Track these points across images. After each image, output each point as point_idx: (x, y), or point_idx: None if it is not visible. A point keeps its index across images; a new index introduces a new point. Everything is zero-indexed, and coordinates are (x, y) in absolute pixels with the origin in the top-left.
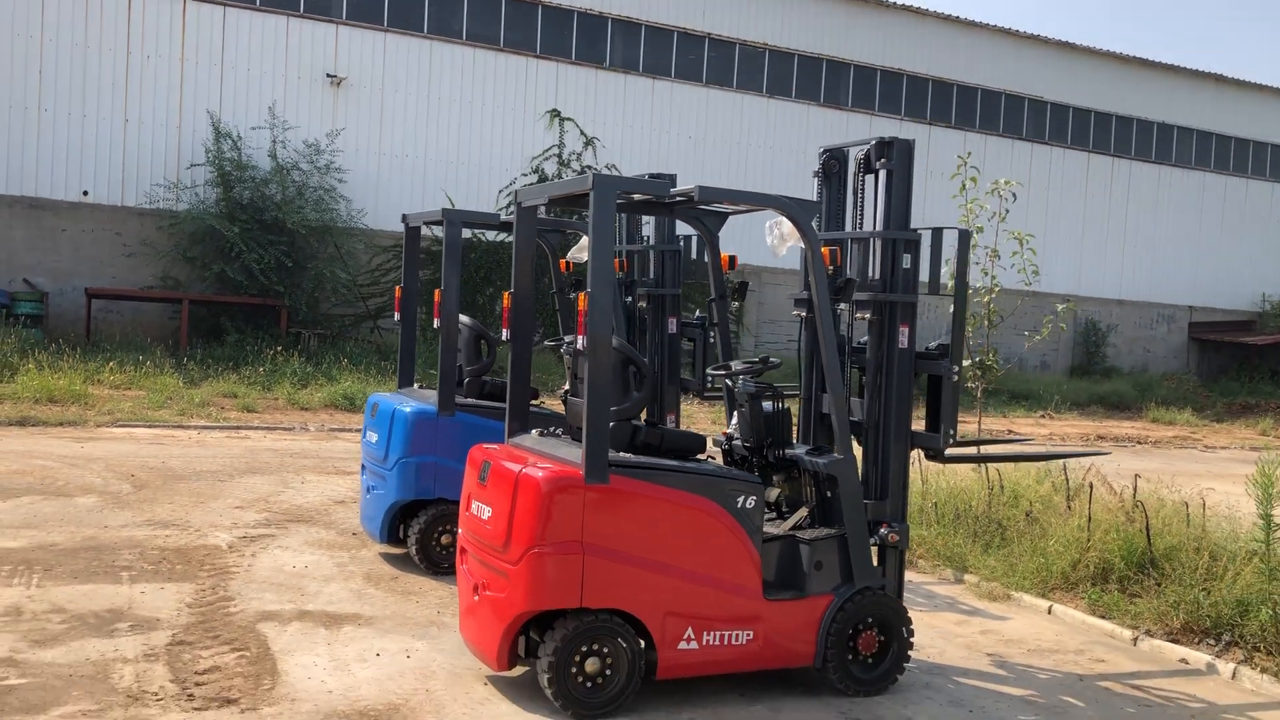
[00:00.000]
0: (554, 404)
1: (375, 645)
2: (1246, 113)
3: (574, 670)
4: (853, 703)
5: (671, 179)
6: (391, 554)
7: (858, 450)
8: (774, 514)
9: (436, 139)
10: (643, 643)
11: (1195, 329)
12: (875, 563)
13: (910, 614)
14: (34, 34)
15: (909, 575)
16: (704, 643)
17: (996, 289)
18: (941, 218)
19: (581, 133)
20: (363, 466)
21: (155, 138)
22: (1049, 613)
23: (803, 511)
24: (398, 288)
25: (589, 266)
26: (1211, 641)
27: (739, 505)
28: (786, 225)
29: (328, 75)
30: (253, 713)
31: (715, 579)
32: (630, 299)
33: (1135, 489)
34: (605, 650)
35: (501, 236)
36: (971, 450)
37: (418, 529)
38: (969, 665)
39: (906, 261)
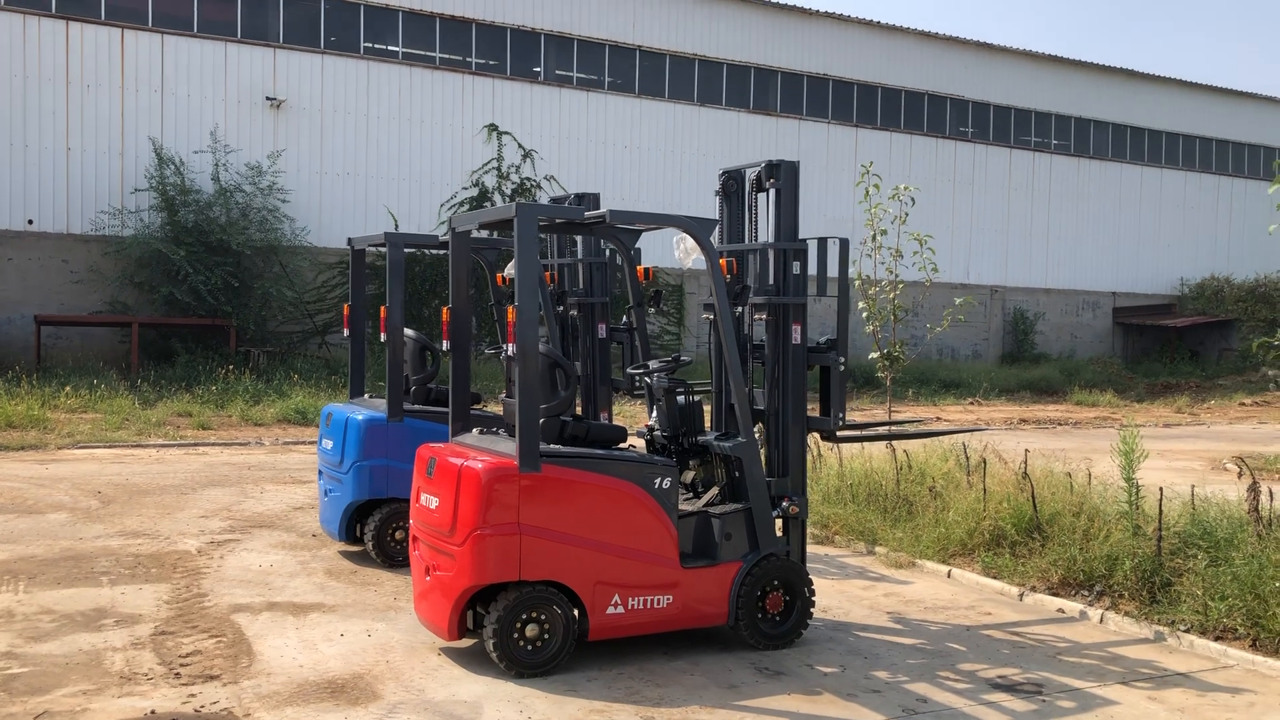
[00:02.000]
0: (496, 408)
1: (339, 628)
2: (1156, 105)
3: (516, 636)
4: (763, 655)
5: (594, 198)
6: (350, 552)
7: (761, 435)
8: (690, 493)
9: (377, 156)
10: (576, 610)
11: (1119, 314)
12: (780, 533)
13: (822, 581)
14: None
15: (825, 549)
16: (629, 607)
17: (900, 286)
18: (866, 214)
19: (519, 146)
20: (320, 472)
21: (99, 165)
22: (948, 576)
23: (714, 490)
24: (345, 305)
25: (516, 282)
26: (1085, 592)
27: (657, 486)
28: (690, 240)
29: (268, 98)
30: (234, 685)
31: (638, 551)
32: (561, 308)
33: (1025, 463)
34: (543, 617)
35: (443, 252)
36: (859, 431)
37: (373, 526)
38: (870, 622)
39: (796, 268)
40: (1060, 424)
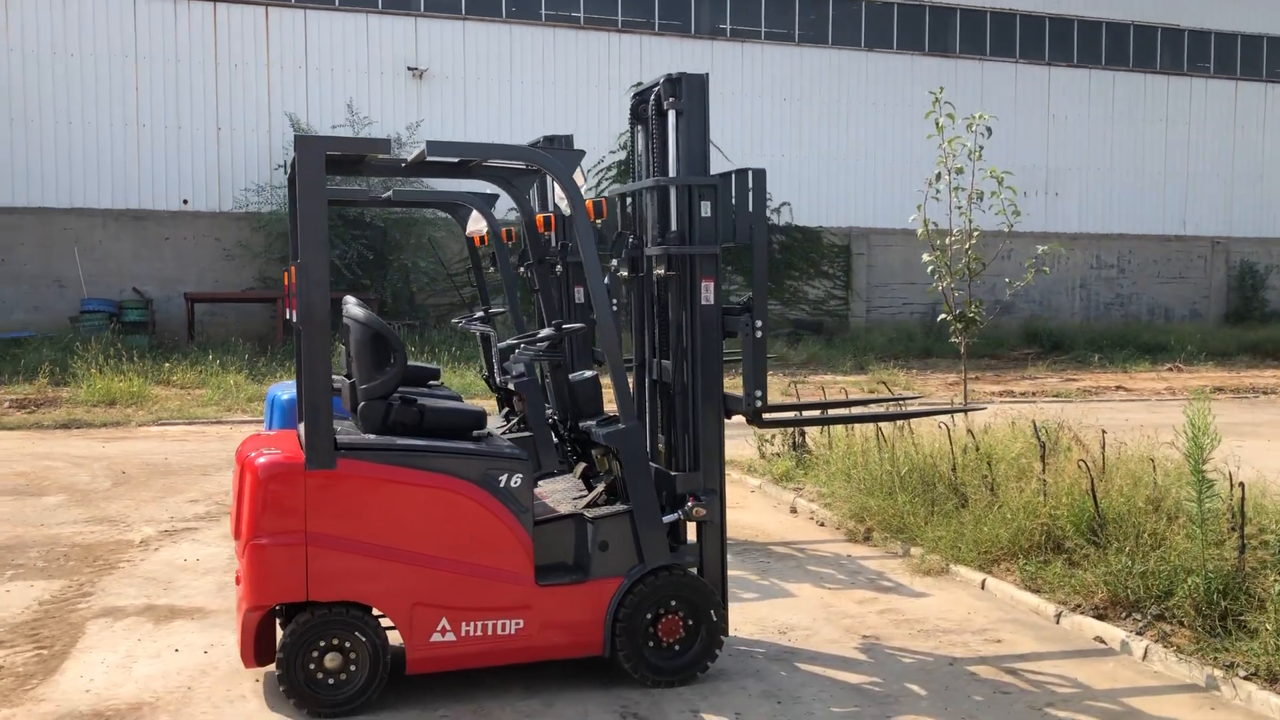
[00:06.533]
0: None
1: (185, 640)
2: None
3: (313, 667)
4: (646, 694)
5: (567, 140)
6: None
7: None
8: (587, 491)
9: (521, 123)
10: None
11: None
12: (694, 540)
13: (816, 590)
14: (129, 53)
15: (853, 549)
16: (463, 634)
17: (976, 234)
18: (1062, 163)
19: None
20: None
21: (246, 143)
22: (982, 587)
23: (599, 488)
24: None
25: (300, 234)
26: (1138, 616)
27: (501, 485)
28: (578, 178)
29: (409, 68)
30: None
31: (473, 565)
32: (523, 269)
33: (1104, 445)
34: (347, 645)
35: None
36: (789, 414)
37: None
38: (829, 650)
39: (705, 209)
40: (1270, 393)
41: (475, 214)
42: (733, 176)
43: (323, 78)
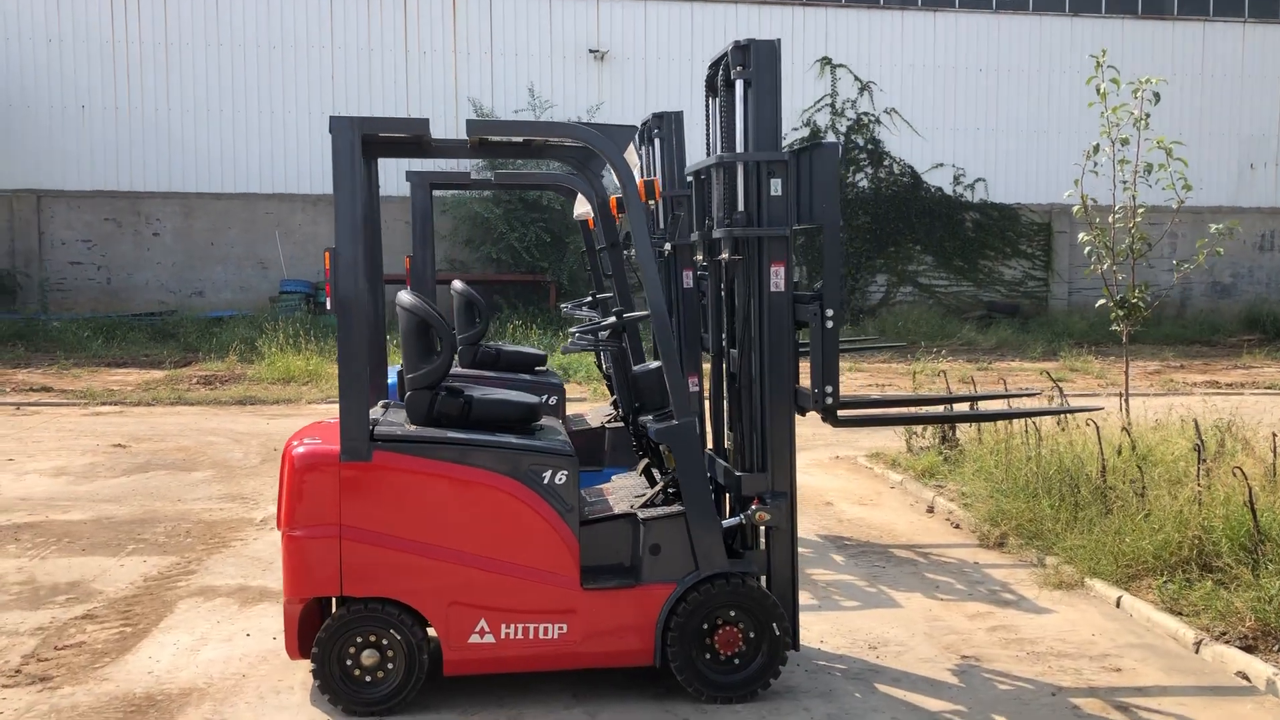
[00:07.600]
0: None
1: (261, 625)
2: None
3: (349, 664)
4: (699, 709)
5: (677, 117)
6: None
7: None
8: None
9: (701, 103)
10: (434, 635)
11: None
12: (761, 547)
13: (925, 601)
14: (325, 44)
15: (983, 556)
16: (503, 637)
17: (1141, 211)
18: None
19: (855, 79)
20: None
21: (434, 128)
22: (1117, 605)
23: (658, 487)
24: (407, 258)
25: (337, 218)
26: None
27: (545, 481)
28: (631, 157)
29: (590, 51)
30: (50, 692)
31: (513, 565)
32: (598, 251)
33: (1276, 450)
34: (384, 642)
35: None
36: (873, 411)
37: None
38: (917, 670)
39: (775, 187)
40: None
41: (580, 196)
42: (808, 152)
43: (506, 62)
